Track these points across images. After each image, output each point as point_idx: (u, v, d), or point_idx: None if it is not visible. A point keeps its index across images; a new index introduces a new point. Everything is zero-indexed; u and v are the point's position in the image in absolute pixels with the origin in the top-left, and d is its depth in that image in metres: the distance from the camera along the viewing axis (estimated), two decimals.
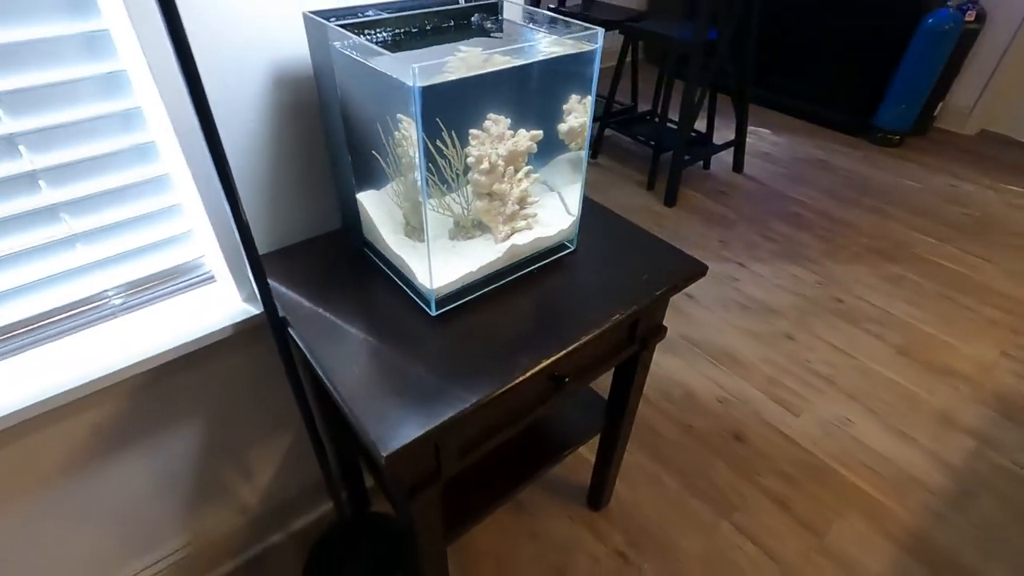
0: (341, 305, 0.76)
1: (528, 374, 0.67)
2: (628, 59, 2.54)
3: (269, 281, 0.78)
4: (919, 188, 2.61)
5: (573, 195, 0.83)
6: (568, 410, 1.10)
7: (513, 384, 0.66)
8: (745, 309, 1.90)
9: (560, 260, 0.85)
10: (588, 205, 0.97)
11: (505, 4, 0.79)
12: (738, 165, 2.70)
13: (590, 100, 0.74)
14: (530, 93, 0.70)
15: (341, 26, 0.66)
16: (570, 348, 0.71)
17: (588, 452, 1.40)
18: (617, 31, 2.42)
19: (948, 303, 1.93)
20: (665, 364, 1.68)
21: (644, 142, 2.56)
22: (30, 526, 0.86)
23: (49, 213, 0.70)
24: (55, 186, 0.69)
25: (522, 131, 0.73)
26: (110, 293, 0.80)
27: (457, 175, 0.69)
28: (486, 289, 0.78)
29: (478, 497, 0.94)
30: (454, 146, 0.66)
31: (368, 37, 0.70)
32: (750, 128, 3.11)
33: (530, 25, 0.76)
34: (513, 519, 1.28)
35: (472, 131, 0.68)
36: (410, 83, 0.54)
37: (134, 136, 0.73)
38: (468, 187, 0.72)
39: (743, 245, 2.21)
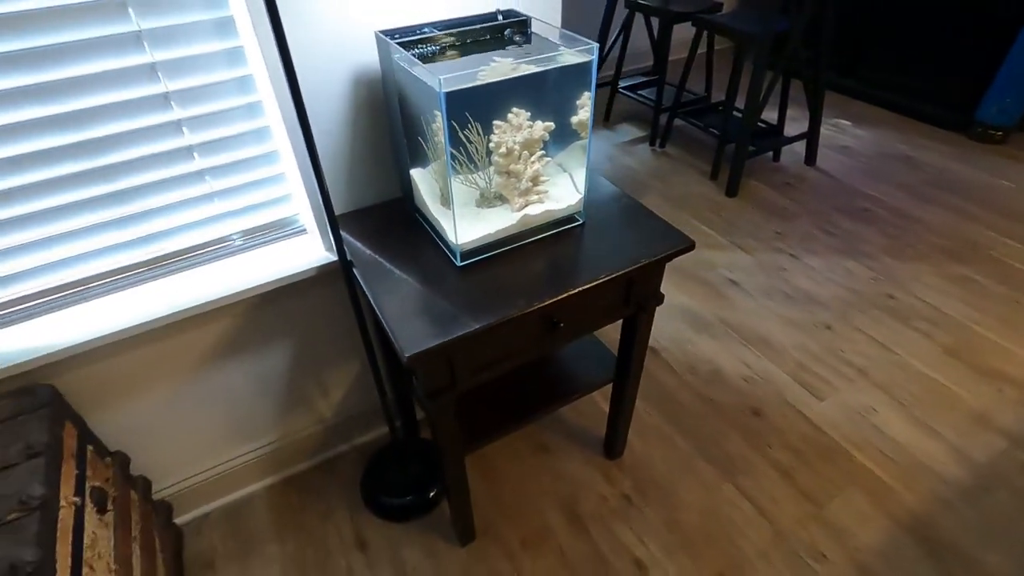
0: (394, 255, 1.00)
1: (522, 312, 0.87)
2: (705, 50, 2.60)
3: (342, 233, 1.04)
4: (1013, 188, 2.46)
5: (583, 176, 1.01)
6: (582, 362, 1.29)
7: (508, 318, 0.86)
8: (789, 299, 1.95)
9: (570, 231, 1.03)
10: (608, 189, 1.14)
11: (533, 20, 0.97)
12: (810, 158, 2.68)
13: (590, 99, 0.91)
14: (547, 92, 0.88)
15: (401, 42, 0.88)
16: (560, 297, 0.89)
17: (605, 403, 1.57)
18: (690, 23, 2.49)
19: (1014, 307, 1.87)
20: (698, 343, 1.80)
21: (710, 132, 2.61)
22: (173, 404, 1.20)
23: (197, 176, 1.00)
24: (204, 156, 0.98)
25: (539, 123, 0.92)
26: (234, 237, 1.09)
27: (482, 157, 0.90)
28: (503, 249, 0.99)
29: (497, 420, 1.16)
30: (479, 135, 0.86)
31: (420, 50, 0.91)
32: (831, 120, 3.03)
33: (550, 38, 0.95)
34: (536, 458, 1.49)
35: (496, 122, 0.89)
36: (437, 88, 0.75)
37: (255, 122, 1.00)
38: (491, 167, 0.93)
39: (799, 237, 2.23)
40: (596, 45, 0.84)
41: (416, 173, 1.01)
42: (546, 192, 0.99)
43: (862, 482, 1.41)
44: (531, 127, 0.92)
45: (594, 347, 1.33)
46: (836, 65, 3.26)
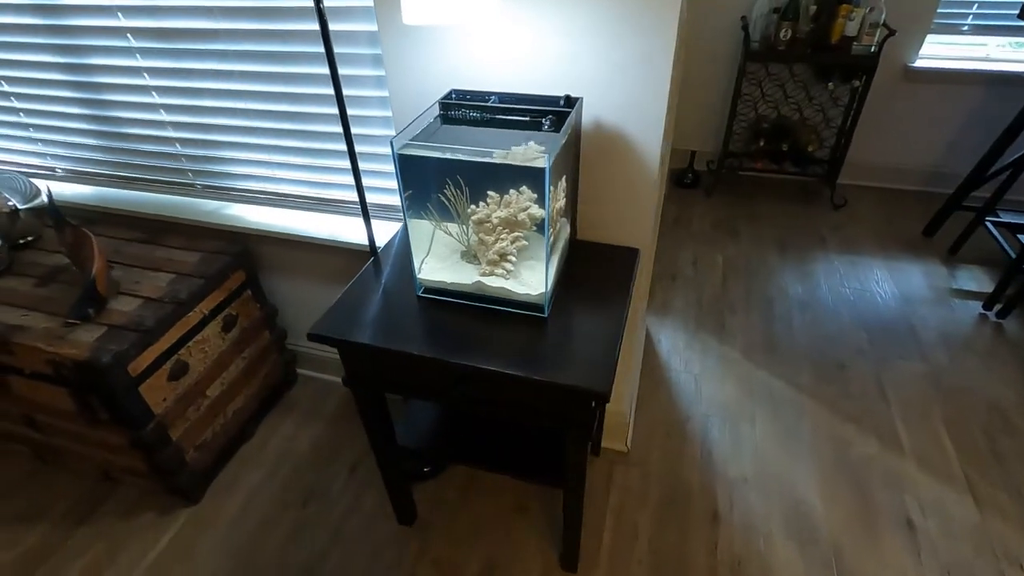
0: (399, 266, 1.20)
1: (416, 353, 0.96)
2: None
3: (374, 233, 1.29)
4: None
5: (546, 270, 0.98)
6: (552, 456, 1.24)
7: (399, 350, 0.97)
8: None
9: (532, 318, 1.03)
10: (620, 307, 1.05)
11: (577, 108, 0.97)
12: None
13: (547, 199, 0.88)
14: (517, 181, 0.91)
15: (459, 102, 1.03)
16: (462, 362, 0.94)
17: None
18: None
19: None
20: (778, 545, 1.39)
21: None
22: (313, 293, 1.71)
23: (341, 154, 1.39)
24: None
25: (533, 206, 0.95)
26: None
27: (464, 217, 0.99)
28: (466, 302, 1.06)
29: (461, 449, 1.27)
30: (458, 196, 0.96)
31: (466, 112, 1.04)
32: None
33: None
34: (506, 517, 1.50)
35: (491, 193, 0.97)
36: (391, 148, 0.90)
37: (384, 111, 1.32)
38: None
39: None
40: (547, 155, 0.82)
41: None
42: (511, 271, 1.01)
43: None
44: (522, 208, 0.96)
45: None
46: None
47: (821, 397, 1.80)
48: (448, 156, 0.90)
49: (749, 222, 2.72)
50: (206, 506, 1.55)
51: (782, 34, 2.39)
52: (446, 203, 0.97)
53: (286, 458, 1.68)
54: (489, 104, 1.04)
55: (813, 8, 2.38)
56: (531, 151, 0.91)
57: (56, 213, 1.40)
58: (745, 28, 2.50)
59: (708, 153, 3.09)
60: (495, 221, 0.97)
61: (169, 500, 1.56)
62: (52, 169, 1.78)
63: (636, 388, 1.82)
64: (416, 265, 1.07)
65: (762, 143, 2.83)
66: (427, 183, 0.95)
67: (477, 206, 0.97)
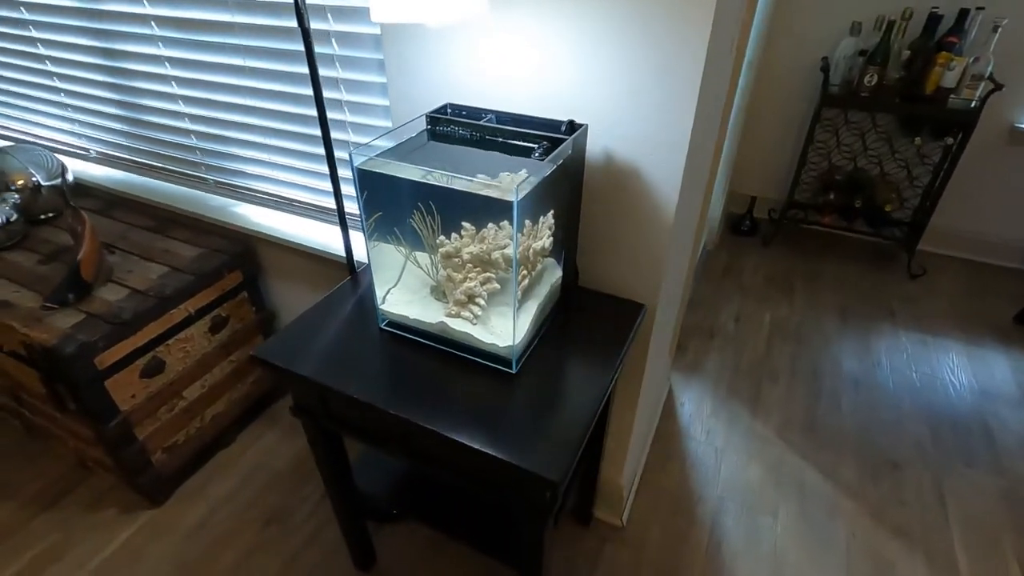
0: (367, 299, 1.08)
1: (354, 396, 0.84)
2: None
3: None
4: None
5: (516, 323, 0.83)
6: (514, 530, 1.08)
7: (341, 391, 0.84)
8: None
9: (497, 372, 0.88)
10: (602, 367, 0.89)
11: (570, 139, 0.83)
12: None
13: (515, 236, 0.74)
14: (489, 213, 0.78)
15: (449, 117, 0.91)
16: (401, 415, 0.80)
17: None
18: None
19: None
20: None
21: None
22: (305, 306, 1.63)
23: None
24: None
25: (510, 244, 0.82)
26: None
27: (433, 248, 0.87)
28: (430, 342, 0.93)
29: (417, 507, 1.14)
30: (424, 223, 0.84)
31: (455, 130, 0.92)
32: None
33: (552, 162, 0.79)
34: None
35: (464, 224, 0.84)
36: (350, 159, 0.79)
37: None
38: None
39: None
40: (516, 189, 0.68)
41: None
42: (479, 316, 0.87)
43: None
44: (498, 246, 0.82)
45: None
46: None
47: (864, 498, 1.53)
48: (407, 176, 0.78)
49: (808, 281, 2.45)
50: (168, 511, 1.48)
51: (867, 79, 2.15)
52: (417, 231, 0.85)
53: (260, 472, 1.59)
54: (482, 123, 0.91)
55: (906, 54, 2.12)
56: (520, 179, 0.78)
57: (64, 194, 1.39)
58: (825, 70, 2.27)
59: (771, 200, 2.84)
60: (465, 257, 0.84)
61: (134, 498, 1.51)
62: (87, 150, 1.81)
63: (644, 455, 1.62)
64: (379, 295, 0.95)
65: (832, 196, 2.56)
66: (397, 205, 0.84)
67: (449, 238, 0.85)
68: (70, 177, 1.65)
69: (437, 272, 0.90)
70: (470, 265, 0.85)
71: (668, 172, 0.91)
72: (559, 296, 1.00)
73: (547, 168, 0.78)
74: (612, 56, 0.85)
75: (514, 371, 0.87)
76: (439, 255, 0.85)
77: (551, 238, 0.86)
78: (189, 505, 1.50)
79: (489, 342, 0.87)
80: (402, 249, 0.89)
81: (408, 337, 0.95)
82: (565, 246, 0.95)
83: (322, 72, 1.21)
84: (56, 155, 1.65)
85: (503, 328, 0.87)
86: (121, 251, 1.50)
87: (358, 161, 0.79)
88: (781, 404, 1.82)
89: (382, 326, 0.97)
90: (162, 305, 1.33)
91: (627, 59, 0.84)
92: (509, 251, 0.82)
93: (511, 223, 0.73)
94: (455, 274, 0.86)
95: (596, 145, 0.94)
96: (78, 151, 1.83)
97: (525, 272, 0.85)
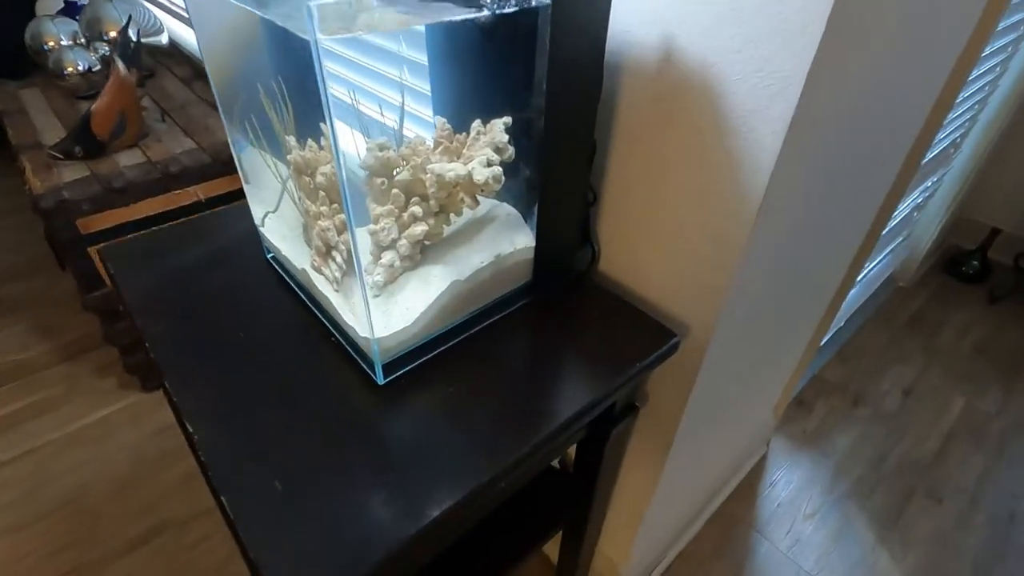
0: None
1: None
2: None
3: None
4: None
5: (417, 302, 0.46)
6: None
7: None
8: None
9: (361, 376, 0.53)
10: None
11: None
12: None
13: (329, 122, 0.36)
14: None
15: None
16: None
17: None
18: None
19: None
20: None
21: None
22: None
23: None
24: None
25: (438, 159, 0.45)
26: None
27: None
28: (301, 294, 0.61)
29: None
30: (282, 119, 0.50)
31: None
32: None
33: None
34: None
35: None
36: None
37: None
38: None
39: None
40: (315, 7, 0.30)
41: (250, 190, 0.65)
42: (339, 280, 0.52)
43: None
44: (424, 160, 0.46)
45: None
46: None
47: None
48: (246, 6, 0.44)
49: None
50: (153, 400, 1.41)
51: None
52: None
53: None
54: None
55: None
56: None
57: (125, 46, 1.31)
58: None
59: (1021, 242, 1.95)
60: (320, 179, 0.48)
61: (130, 377, 1.46)
62: None
63: (682, 541, 1.15)
64: (257, 216, 0.64)
65: None
66: (257, 77, 0.50)
67: (318, 141, 0.49)
68: (164, 39, 1.60)
69: (298, 201, 0.56)
70: (323, 194, 0.49)
71: (765, 118, 0.44)
72: (528, 280, 0.60)
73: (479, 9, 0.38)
74: None
75: (380, 381, 0.51)
76: (290, 167, 0.51)
77: (497, 165, 0.47)
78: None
79: (349, 322, 0.51)
80: (265, 155, 0.56)
81: (288, 284, 0.63)
82: (543, 190, 0.54)
83: None
84: (159, 13, 1.60)
85: (395, 307, 0.51)
86: (172, 121, 1.40)
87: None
88: (936, 541, 1.19)
89: (268, 257, 0.67)
90: (165, 182, 1.19)
91: None
92: (437, 167, 0.45)
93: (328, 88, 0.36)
94: (311, 205, 0.52)
95: (647, 30, 0.50)
96: (182, 11, 1.78)
97: (419, 211, 0.48)
